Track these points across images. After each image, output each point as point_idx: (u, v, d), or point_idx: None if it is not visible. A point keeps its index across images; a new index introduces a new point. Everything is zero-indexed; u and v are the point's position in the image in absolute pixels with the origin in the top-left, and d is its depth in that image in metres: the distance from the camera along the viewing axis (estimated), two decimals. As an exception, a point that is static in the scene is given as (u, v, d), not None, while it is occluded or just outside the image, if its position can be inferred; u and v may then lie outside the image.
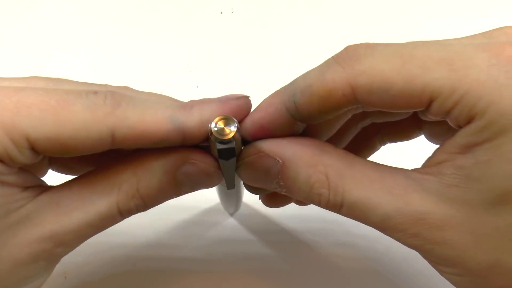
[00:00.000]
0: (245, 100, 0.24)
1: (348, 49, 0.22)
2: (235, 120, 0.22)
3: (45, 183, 0.25)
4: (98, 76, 0.48)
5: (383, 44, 0.22)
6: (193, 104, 0.23)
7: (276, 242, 0.36)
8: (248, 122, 0.23)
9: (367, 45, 0.22)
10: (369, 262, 0.34)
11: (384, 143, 0.29)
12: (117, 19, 0.53)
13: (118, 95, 0.23)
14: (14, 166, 0.22)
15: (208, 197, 0.36)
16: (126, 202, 0.23)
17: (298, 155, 0.22)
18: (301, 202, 0.30)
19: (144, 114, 0.22)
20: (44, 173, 0.28)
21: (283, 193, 0.24)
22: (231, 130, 0.22)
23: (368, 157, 0.30)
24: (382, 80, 0.20)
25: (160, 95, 0.25)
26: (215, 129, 0.22)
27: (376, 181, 0.21)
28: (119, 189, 0.23)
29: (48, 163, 0.28)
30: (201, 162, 0.24)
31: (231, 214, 0.37)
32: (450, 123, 0.21)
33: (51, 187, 0.24)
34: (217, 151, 0.22)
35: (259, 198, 0.30)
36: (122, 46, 0.51)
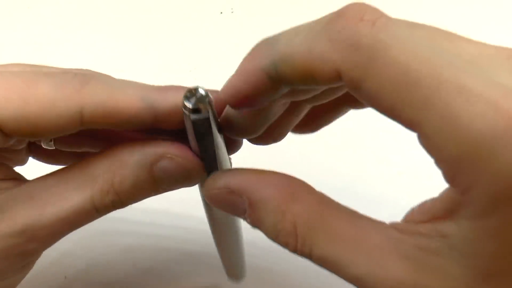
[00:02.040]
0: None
1: (346, 18, 0.18)
2: (203, 87, 0.21)
3: (22, 177, 0.24)
4: (98, 76, 0.48)
5: (392, 29, 0.17)
6: (168, 87, 0.23)
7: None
8: (230, 87, 0.21)
9: (374, 22, 0.17)
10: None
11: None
12: (117, 19, 0.53)
13: (88, 75, 0.22)
14: None
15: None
16: (101, 197, 0.23)
17: (266, 199, 0.21)
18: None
19: (114, 91, 0.22)
20: (23, 161, 0.27)
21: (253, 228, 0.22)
22: (202, 94, 0.21)
23: (334, 119, 0.27)
24: (374, 87, 0.17)
25: (135, 81, 0.24)
26: (187, 101, 0.21)
27: (349, 239, 0.19)
28: (93, 184, 0.23)
29: (27, 151, 0.28)
30: (179, 157, 0.23)
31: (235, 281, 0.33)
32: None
33: (27, 181, 0.24)
34: (191, 123, 0.21)
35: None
36: (122, 46, 0.51)
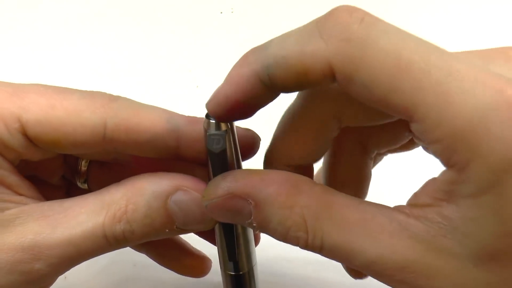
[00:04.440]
0: (250, 133, 0.24)
1: (337, 16, 0.19)
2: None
3: (42, 198, 0.24)
4: (98, 76, 0.48)
5: (382, 27, 0.18)
6: (194, 117, 0.23)
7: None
8: (220, 96, 0.21)
9: (360, 20, 0.18)
10: None
11: (385, 155, 0.27)
12: (117, 19, 0.53)
13: (117, 95, 0.23)
14: (8, 156, 0.22)
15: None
16: (113, 224, 0.22)
17: (272, 196, 0.21)
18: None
19: (140, 109, 0.23)
20: (54, 176, 0.27)
21: (255, 232, 0.22)
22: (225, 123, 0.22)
23: (371, 169, 0.28)
24: (366, 76, 0.18)
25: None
26: (208, 117, 0.21)
27: (358, 224, 0.20)
28: (107, 210, 0.22)
29: (64, 191, 0.28)
30: (194, 190, 0.22)
31: None
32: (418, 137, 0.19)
33: (44, 201, 0.23)
34: (207, 137, 0.21)
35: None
36: (122, 46, 0.51)
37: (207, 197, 0.22)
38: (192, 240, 0.30)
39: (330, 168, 0.26)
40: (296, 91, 0.21)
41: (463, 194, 0.18)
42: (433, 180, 0.19)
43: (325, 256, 0.21)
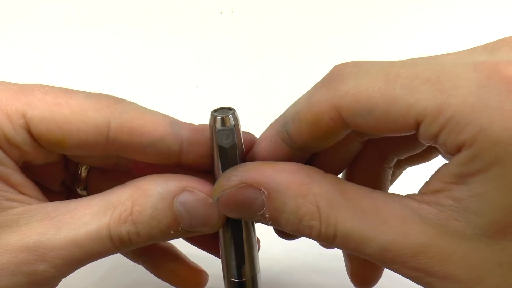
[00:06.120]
0: (250, 136, 0.24)
1: (334, 69, 0.21)
2: (231, 107, 0.22)
3: (46, 199, 0.24)
4: (98, 76, 0.48)
5: (371, 62, 0.20)
6: (197, 124, 0.24)
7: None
8: (250, 157, 0.23)
9: (354, 64, 0.20)
10: None
11: (404, 168, 0.28)
12: (117, 20, 0.53)
13: (122, 98, 0.23)
14: (12, 154, 0.22)
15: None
16: (118, 226, 0.22)
17: (285, 185, 0.21)
18: (288, 236, 0.27)
19: (144, 112, 0.23)
20: (54, 182, 0.27)
21: (268, 225, 0.22)
22: (228, 108, 0.22)
23: (389, 179, 0.27)
24: (365, 101, 0.19)
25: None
26: (213, 113, 0.22)
27: (371, 211, 0.20)
28: (113, 212, 0.22)
29: (64, 194, 0.28)
30: (200, 191, 0.22)
31: None
32: (440, 151, 0.19)
33: (49, 202, 0.23)
34: (216, 134, 0.22)
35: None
36: (122, 46, 0.51)
37: (219, 189, 0.22)
38: (190, 254, 0.30)
39: (347, 175, 0.26)
40: (318, 147, 0.22)
41: (472, 172, 0.18)
42: (444, 166, 0.19)
43: (337, 247, 0.21)
